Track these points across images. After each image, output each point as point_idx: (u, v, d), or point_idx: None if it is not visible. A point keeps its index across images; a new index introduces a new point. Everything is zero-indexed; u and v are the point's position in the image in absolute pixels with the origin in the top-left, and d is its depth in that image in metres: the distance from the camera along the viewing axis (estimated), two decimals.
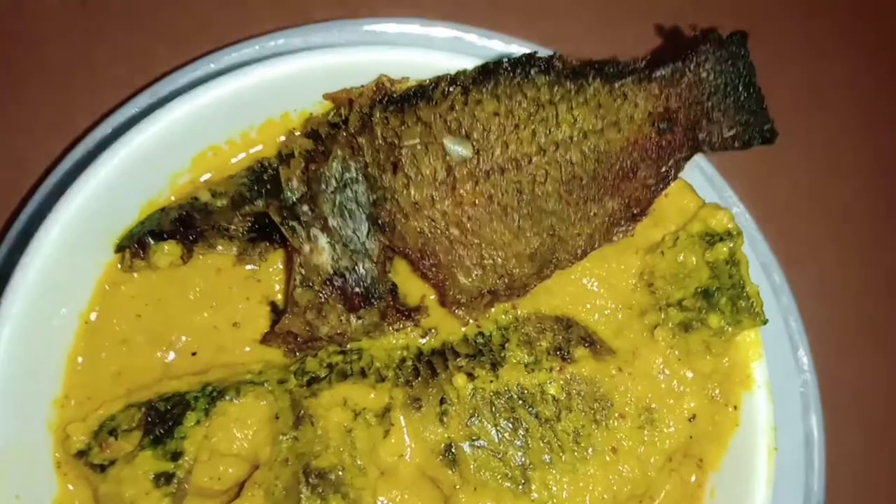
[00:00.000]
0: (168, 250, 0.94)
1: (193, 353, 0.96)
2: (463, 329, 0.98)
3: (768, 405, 0.88)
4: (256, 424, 0.88)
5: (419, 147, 0.93)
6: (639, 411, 0.94)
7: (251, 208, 0.94)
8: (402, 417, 0.90)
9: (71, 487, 0.90)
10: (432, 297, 1.00)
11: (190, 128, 0.95)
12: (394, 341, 0.98)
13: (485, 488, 0.88)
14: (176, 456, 0.85)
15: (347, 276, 0.93)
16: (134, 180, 0.95)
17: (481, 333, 0.98)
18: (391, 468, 0.88)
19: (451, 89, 0.93)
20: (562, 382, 0.93)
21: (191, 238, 0.96)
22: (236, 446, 0.88)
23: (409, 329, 0.98)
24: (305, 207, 0.92)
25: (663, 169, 0.94)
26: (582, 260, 0.97)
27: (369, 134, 0.93)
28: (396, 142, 0.93)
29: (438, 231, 0.94)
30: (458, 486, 0.88)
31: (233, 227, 0.97)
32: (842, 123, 1.29)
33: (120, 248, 0.96)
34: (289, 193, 0.93)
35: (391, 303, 0.96)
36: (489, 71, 0.92)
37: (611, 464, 0.92)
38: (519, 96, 0.93)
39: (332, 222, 0.92)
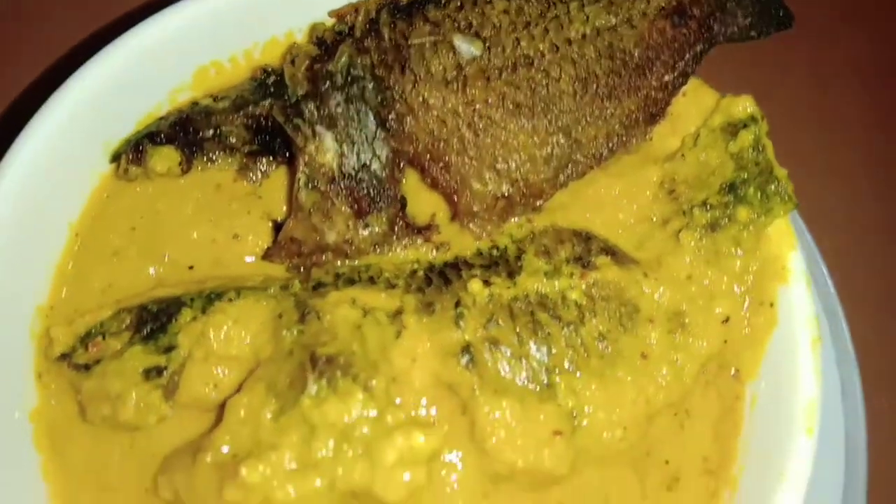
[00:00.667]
0: (166, 154, 0.90)
1: (190, 267, 0.91)
2: (477, 243, 0.93)
3: (807, 295, 0.82)
4: (257, 325, 0.81)
5: (428, 45, 0.90)
6: (668, 316, 0.87)
7: (253, 110, 0.91)
8: (413, 320, 0.83)
9: (53, 402, 0.82)
10: (443, 214, 0.95)
11: (191, 35, 0.93)
12: (402, 256, 0.92)
13: (506, 391, 0.80)
14: (168, 349, 0.78)
15: (354, 176, 0.88)
16: (131, 90, 0.92)
17: (496, 247, 0.92)
18: (403, 373, 0.81)
19: None
20: (584, 287, 0.87)
21: (190, 145, 0.92)
22: (235, 349, 0.81)
23: (419, 244, 0.93)
24: (310, 104, 0.89)
25: (679, 64, 0.92)
26: (600, 165, 0.93)
27: (376, 37, 0.91)
28: (404, 43, 0.91)
29: (449, 131, 0.90)
30: (476, 390, 0.80)
31: (234, 134, 0.93)
32: None
33: (116, 157, 0.92)
34: (293, 90, 0.89)
35: (400, 216, 0.91)
36: None
37: (641, 369, 0.84)
38: None
39: (338, 120, 0.88)
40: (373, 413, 0.72)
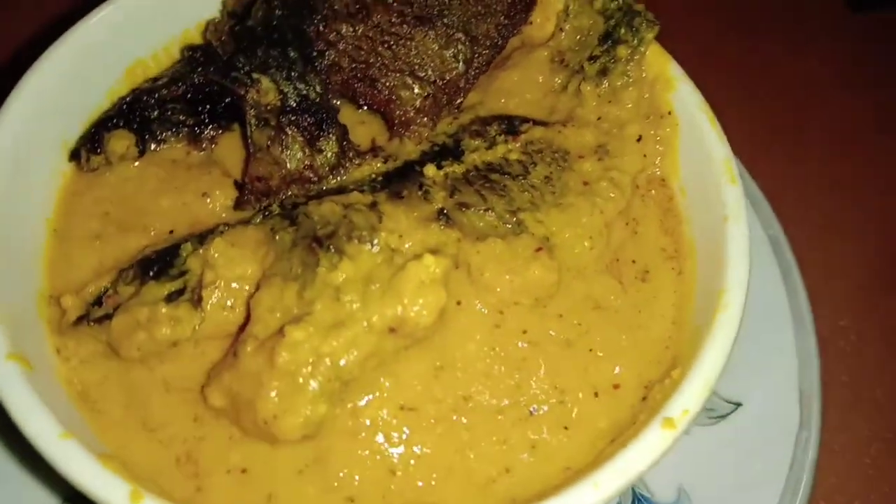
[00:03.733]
0: (120, 136, 0.97)
1: (171, 231, 0.97)
2: (418, 147, 1.05)
3: (693, 91, 1.00)
4: (254, 243, 0.89)
5: None
6: (593, 149, 1.02)
7: (191, 80, 1.00)
8: (389, 206, 0.94)
9: (79, 365, 0.85)
10: (381, 138, 1.07)
11: (111, 39, 1.02)
12: (359, 174, 1.03)
13: (485, 236, 0.92)
14: (181, 274, 0.84)
15: (298, 107, 0.99)
16: (70, 94, 0.99)
17: (435, 144, 1.05)
18: (396, 246, 0.90)
19: None
20: (519, 146, 1.01)
21: (140, 127, 1.00)
22: (240, 267, 0.87)
23: (370, 161, 1.04)
24: (241, 58, 0.99)
25: None
26: (498, 53, 1.09)
27: None
28: None
29: (367, 53, 1.04)
30: (460, 240, 0.91)
31: (178, 110, 1.02)
32: None
33: (74, 153, 0.98)
34: (223, 51, 1.00)
35: (347, 142, 1.02)
36: None
37: (587, 191, 0.98)
38: None
39: (268, 65, 0.99)
40: (379, 258, 0.81)
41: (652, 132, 1.04)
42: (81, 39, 0.99)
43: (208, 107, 1.03)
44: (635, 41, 1.03)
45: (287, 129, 0.98)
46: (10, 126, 0.92)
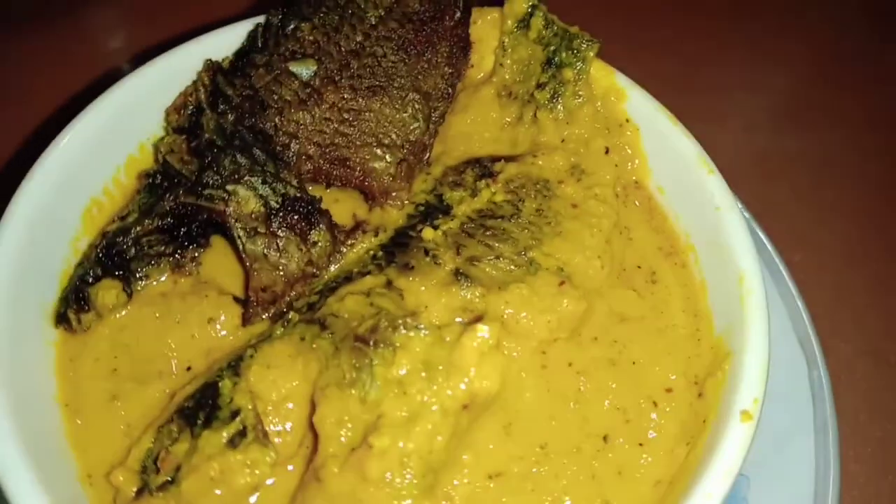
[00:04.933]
0: (106, 286, 0.92)
1: (188, 368, 0.93)
2: (402, 211, 1.05)
3: (640, 93, 1.06)
4: (288, 359, 0.86)
5: (272, 82, 1.03)
6: (568, 172, 1.06)
7: (162, 208, 0.96)
8: (404, 281, 0.93)
9: None
10: (361, 211, 1.07)
11: (58, 190, 0.96)
12: (355, 255, 1.02)
13: (506, 284, 0.93)
14: (234, 415, 0.80)
15: (281, 207, 0.97)
16: (34, 256, 0.92)
17: (419, 205, 1.06)
18: (426, 317, 0.90)
19: (268, 34, 1.05)
20: (501, 187, 1.04)
21: (121, 271, 0.94)
22: (285, 387, 0.85)
23: (361, 238, 1.03)
24: (209, 174, 0.96)
25: (459, 2, 1.13)
26: (451, 102, 1.11)
27: (224, 99, 1.01)
28: (251, 91, 1.02)
29: (331, 136, 1.03)
30: (486, 295, 0.92)
31: (153, 243, 0.97)
32: None
33: (61, 317, 0.91)
34: (187, 172, 0.96)
35: (335, 226, 1.01)
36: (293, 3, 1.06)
37: (580, 214, 1.02)
38: (323, 8, 1.07)
39: (240, 173, 0.97)
40: (430, 339, 0.81)
41: (616, 142, 1.09)
42: (31, 202, 0.92)
43: (183, 230, 0.99)
44: (578, 62, 1.08)
45: (279, 233, 0.95)
46: None
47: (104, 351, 0.92)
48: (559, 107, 1.09)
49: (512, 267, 0.96)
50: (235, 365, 0.86)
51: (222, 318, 0.95)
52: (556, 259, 0.97)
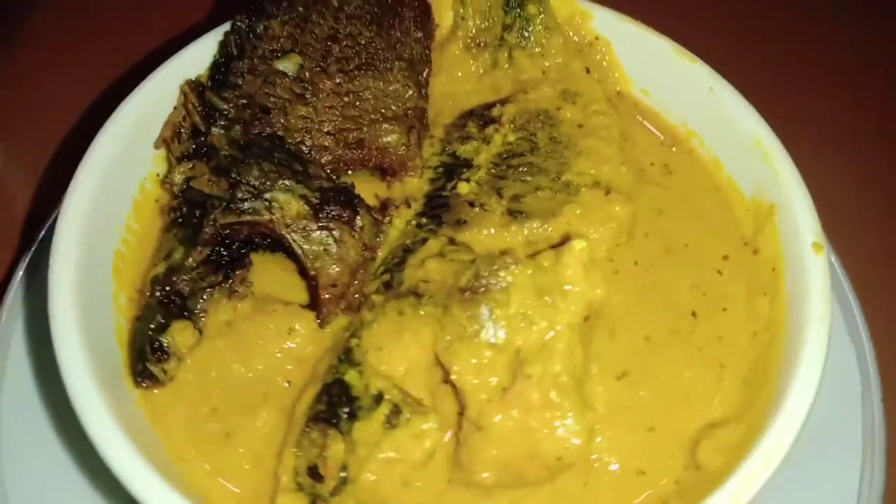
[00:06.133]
0: (179, 328, 0.87)
1: (288, 382, 0.90)
2: (422, 178, 1.06)
3: (607, 11, 1.13)
4: (394, 335, 0.85)
5: (263, 84, 1.00)
6: (562, 97, 1.11)
7: (205, 235, 0.92)
8: (464, 235, 0.95)
9: None
10: (381, 192, 1.07)
11: (85, 262, 0.89)
12: (398, 229, 1.02)
13: (559, 209, 0.97)
14: (378, 399, 0.79)
15: (322, 200, 0.95)
16: (90, 331, 0.85)
17: (436, 167, 1.07)
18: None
19: (239, 40, 1.02)
20: (511, 127, 1.07)
21: (185, 311, 0.90)
22: (404, 361, 0.84)
23: (396, 213, 1.03)
24: (242, 190, 0.93)
25: None
26: (430, 62, 1.12)
27: (220, 114, 0.98)
28: (245, 98, 0.99)
29: (340, 120, 1.02)
30: (544, 224, 0.95)
31: (203, 275, 0.92)
32: None
33: (141, 375, 0.86)
34: (220, 193, 0.93)
35: (369, 207, 1.00)
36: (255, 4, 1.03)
37: (588, 131, 1.07)
38: (284, 2, 1.06)
39: (270, 179, 0.94)
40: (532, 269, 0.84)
41: (592, 59, 1.15)
42: (67, 285, 0.85)
43: (225, 254, 0.95)
44: None
45: (331, 225, 0.94)
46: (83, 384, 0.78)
47: (196, 394, 0.87)
48: (531, 42, 1.14)
49: (553, 195, 1.00)
50: (346, 358, 0.85)
51: (297, 326, 0.93)
52: (588, 175, 1.02)
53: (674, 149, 1.13)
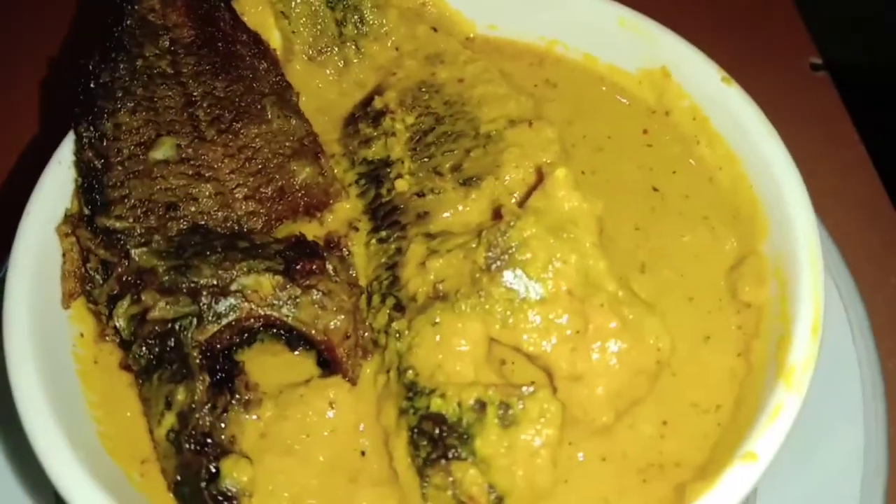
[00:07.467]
0: (228, 467, 0.76)
1: (363, 453, 0.83)
2: (351, 196, 1.00)
3: None
4: (435, 346, 0.81)
5: (151, 184, 0.89)
6: (426, 63, 1.10)
7: (197, 360, 0.80)
8: (436, 226, 0.92)
9: None
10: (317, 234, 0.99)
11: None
12: (359, 258, 0.96)
13: (499, 157, 0.96)
14: (481, 407, 0.75)
15: (286, 265, 0.87)
16: None
17: (357, 182, 1.02)
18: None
19: (96, 149, 0.89)
20: (403, 110, 1.04)
21: (220, 447, 0.78)
22: (460, 361, 0.81)
23: (350, 241, 0.96)
24: (205, 296, 0.82)
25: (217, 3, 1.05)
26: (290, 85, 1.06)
27: (125, 233, 0.85)
28: (143, 209, 0.87)
29: (249, 180, 0.94)
30: (499, 178, 0.94)
31: (207, 399, 0.81)
32: None
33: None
34: (188, 311, 0.81)
35: (327, 243, 0.94)
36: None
37: (472, 81, 1.06)
38: (118, 91, 0.93)
39: (225, 266, 0.84)
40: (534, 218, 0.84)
41: (429, 18, 1.15)
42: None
43: (217, 369, 0.84)
44: None
45: (311, 282, 0.86)
46: None
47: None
48: (370, 27, 1.11)
49: (485, 147, 1.00)
50: (415, 394, 0.79)
51: (331, 395, 0.85)
52: (501, 119, 1.02)
53: (543, 63, 1.16)
